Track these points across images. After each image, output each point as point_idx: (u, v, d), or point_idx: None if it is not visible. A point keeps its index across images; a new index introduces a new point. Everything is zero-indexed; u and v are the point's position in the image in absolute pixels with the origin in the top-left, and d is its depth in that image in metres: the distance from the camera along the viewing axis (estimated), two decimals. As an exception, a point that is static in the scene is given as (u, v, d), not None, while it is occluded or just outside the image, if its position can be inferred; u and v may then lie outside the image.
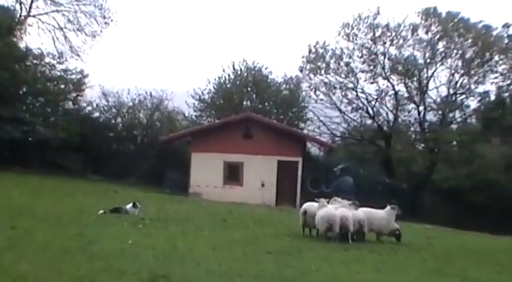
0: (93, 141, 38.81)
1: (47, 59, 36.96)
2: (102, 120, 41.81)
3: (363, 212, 15.51)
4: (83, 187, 26.98)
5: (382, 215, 15.73)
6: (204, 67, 79.82)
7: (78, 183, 29.19)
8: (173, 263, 9.63)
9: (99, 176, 36.51)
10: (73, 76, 37.74)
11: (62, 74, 37.44)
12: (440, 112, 39.87)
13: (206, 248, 11.64)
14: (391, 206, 15.81)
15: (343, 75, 40.52)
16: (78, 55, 40.31)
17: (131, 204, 17.28)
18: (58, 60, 37.60)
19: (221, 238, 13.45)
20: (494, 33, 38.62)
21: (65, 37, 40.42)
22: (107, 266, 8.86)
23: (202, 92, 42.82)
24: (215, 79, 42.83)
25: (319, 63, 40.71)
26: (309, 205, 15.88)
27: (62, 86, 37.55)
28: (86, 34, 40.84)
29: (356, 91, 40.92)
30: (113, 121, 42.56)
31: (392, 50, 39.63)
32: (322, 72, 40.71)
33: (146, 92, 43.18)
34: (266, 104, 42.14)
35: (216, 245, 12.14)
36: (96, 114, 42.10)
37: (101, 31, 41.29)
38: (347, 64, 40.34)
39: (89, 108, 41.70)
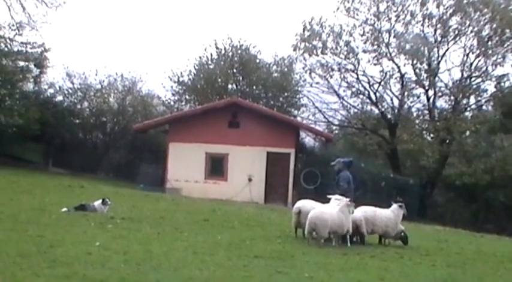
0: (55, 129, 38.67)
1: (2, 32, 36.38)
2: (66, 104, 41.64)
3: (361, 212, 15.45)
4: (43, 182, 26.86)
5: (388, 214, 15.68)
6: (183, 45, 79.24)
7: (37, 178, 29.01)
8: (147, 269, 9.59)
9: (63, 170, 36.43)
10: (34, 50, 37.24)
11: (20, 47, 36.90)
12: (452, 98, 40.00)
13: (185, 252, 11.60)
14: (397, 203, 15.79)
15: (342, 56, 40.48)
16: (37, 30, 39.90)
17: (100, 201, 17.20)
18: (16, 31, 36.40)
19: (203, 241, 13.42)
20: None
21: (23, 8, 39.98)
22: (70, 272, 8.80)
23: (181, 74, 42.76)
24: (196, 59, 42.79)
25: (315, 42, 40.60)
26: (304, 203, 15.81)
27: (21, 64, 36.98)
28: (46, 5, 40.40)
29: (357, 73, 40.96)
30: (78, 106, 42.42)
31: (399, 27, 39.66)
32: (319, 52, 40.62)
33: (117, 73, 43.12)
34: (254, 87, 42.14)
35: (197, 249, 12.10)
36: (59, 97, 42.03)
37: (64, 2, 40.89)
38: (347, 43, 40.30)
39: (51, 90, 41.65)
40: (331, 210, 14.51)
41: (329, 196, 15.38)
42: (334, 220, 14.29)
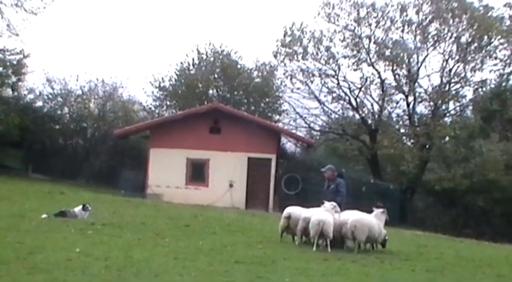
0: (35, 135, 38.37)
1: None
2: (46, 110, 41.35)
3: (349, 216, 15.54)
4: (23, 188, 26.65)
5: (371, 219, 15.76)
6: (164, 50, 79.15)
7: (17, 184, 28.81)
8: (128, 275, 9.55)
9: (43, 176, 36.15)
10: (12, 57, 37.06)
11: (-1, 54, 36.73)
12: (432, 103, 40.28)
13: (166, 258, 11.56)
14: (379, 208, 15.85)
15: (322, 61, 40.64)
16: (17, 35, 39.63)
17: (80, 207, 17.09)
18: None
19: (184, 246, 13.39)
20: (494, 14, 39.02)
21: (1, 14, 39.71)
22: (50, 279, 8.75)
23: (162, 79, 42.64)
24: (177, 64, 42.70)
25: (295, 48, 40.75)
26: (294, 209, 15.94)
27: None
28: (25, 10, 40.12)
29: (337, 79, 41.14)
30: (58, 112, 42.11)
31: (379, 33, 39.92)
32: (299, 57, 40.76)
33: (97, 79, 42.87)
34: (236, 93, 42.12)
35: (178, 255, 12.06)
36: (39, 103, 41.72)
37: (44, 8, 40.62)
38: (327, 48, 40.47)
39: (31, 96, 41.33)
40: (370, 217, 15.14)
41: (328, 203, 15.40)
42: (373, 226, 14.86)
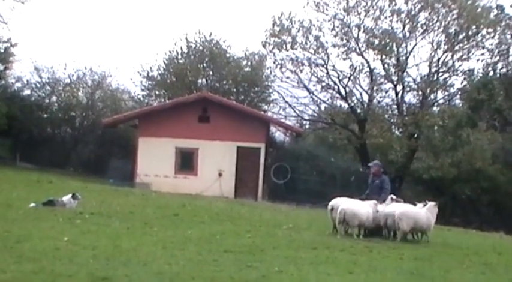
0: (23, 123, 38.14)
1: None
2: (34, 99, 41.15)
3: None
4: (10, 177, 26.63)
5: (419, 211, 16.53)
6: (153, 39, 78.86)
7: (5, 173, 28.70)
8: (116, 264, 9.52)
9: (31, 165, 36.03)
10: (-1, 45, 36.84)
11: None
12: (420, 92, 40.25)
13: (155, 247, 11.55)
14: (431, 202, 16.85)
15: (311, 50, 40.43)
16: (5, 23, 39.36)
17: (69, 196, 17.04)
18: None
19: (172, 236, 13.38)
20: (482, 3, 39.10)
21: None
22: (38, 267, 8.71)
23: (150, 68, 42.43)
24: (166, 53, 42.49)
25: (284, 37, 40.55)
26: (337, 200, 16.68)
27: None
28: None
29: (326, 68, 40.92)
30: (46, 100, 41.95)
31: (368, 22, 39.76)
32: (288, 47, 40.60)
33: (86, 68, 42.67)
34: (225, 82, 42.02)
35: (167, 244, 12.06)
36: (27, 92, 41.55)
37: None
38: (316, 38, 40.28)
39: (18, 84, 41.19)
40: (418, 209, 16.28)
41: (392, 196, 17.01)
42: (421, 218, 15.93)
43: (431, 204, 16.55)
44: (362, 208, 15.91)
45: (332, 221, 16.53)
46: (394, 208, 16.03)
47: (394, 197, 17.04)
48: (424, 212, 16.14)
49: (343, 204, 15.88)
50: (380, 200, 16.70)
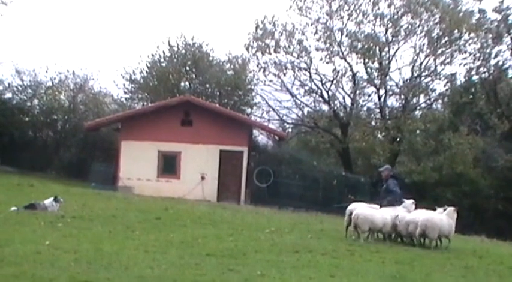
0: (4, 127, 37.89)
1: None
2: (15, 102, 40.82)
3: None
4: (-9, 180, 26.38)
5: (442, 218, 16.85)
6: (135, 42, 78.68)
7: (-15, 176, 28.50)
8: (97, 267, 9.53)
9: (12, 168, 35.73)
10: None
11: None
12: (403, 96, 40.47)
13: (137, 251, 11.55)
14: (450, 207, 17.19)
15: (295, 54, 40.55)
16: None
17: (51, 199, 16.97)
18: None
19: (154, 239, 13.37)
20: (464, 8, 39.36)
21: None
22: (19, 271, 8.70)
23: (133, 72, 42.34)
24: (148, 57, 42.42)
25: (267, 41, 40.64)
26: (355, 205, 17.44)
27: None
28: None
29: (309, 72, 41.05)
30: (28, 103, 41.61)
31: (351, 26, 39.93)
32: (271, 50, 40.68)
33: (68, 71, 42.42)
34: (208, 85, 41.98)
35: (149, 248, 12.07)
36: (8, 95, 41.14)
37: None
38: (299, 42, 40.40)
39: (0, 87, 40.68)
40: (441, 215, 16.55)
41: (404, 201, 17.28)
42: (444, 225, 16.31)
43: (450, 209, 16.98)
44: (377, 214, 16.43)
45: (346, 224, 17.26)
46: (417, 215, 16.45)
47: (412, 201, 17.47)
48: (446, 217, 16.57)
49: (357, 209, 16.54)
50: (385, 202, 17.29)
